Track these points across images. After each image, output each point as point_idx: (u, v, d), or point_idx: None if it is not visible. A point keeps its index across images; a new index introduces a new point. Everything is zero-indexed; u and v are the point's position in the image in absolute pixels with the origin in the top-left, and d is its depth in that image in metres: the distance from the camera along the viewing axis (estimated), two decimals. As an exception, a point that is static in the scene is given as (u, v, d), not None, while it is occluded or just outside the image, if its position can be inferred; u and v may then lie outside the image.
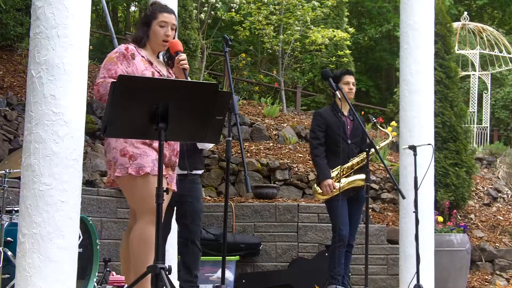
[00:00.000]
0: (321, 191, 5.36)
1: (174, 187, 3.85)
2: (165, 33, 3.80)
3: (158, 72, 3.79)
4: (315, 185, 5.48)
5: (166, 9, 3.88)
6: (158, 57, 3.96)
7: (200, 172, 5.31)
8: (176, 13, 5.67)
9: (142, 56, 3.75)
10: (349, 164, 5.39)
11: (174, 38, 3.88)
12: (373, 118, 5.60)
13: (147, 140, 3.62)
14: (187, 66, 3.75)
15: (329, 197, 5.35)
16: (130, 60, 3.69)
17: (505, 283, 7.92)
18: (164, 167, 3.64)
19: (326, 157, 5.42)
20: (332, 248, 5.34)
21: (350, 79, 5.46)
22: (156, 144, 3.61)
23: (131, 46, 3.75)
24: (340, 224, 5.24)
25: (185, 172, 5.08)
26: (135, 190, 3.61)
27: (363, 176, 5.35)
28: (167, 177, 3.77)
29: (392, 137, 5.87)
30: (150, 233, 3.48)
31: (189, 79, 3.67)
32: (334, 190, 5.28)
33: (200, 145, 5.18)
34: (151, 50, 3.85)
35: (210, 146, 5.56)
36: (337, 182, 5.30)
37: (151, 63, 3.77)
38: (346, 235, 5.26)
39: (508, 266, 8.39)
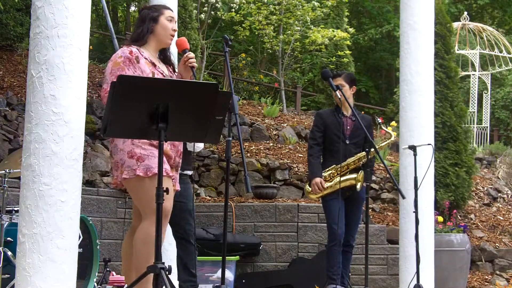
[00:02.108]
0: (311, 190, 5.38)
1: (178, 187, 3.87)
2: (172, 27, 3.87)
3: (161, 73, 3.79)
4: (307, 184, 5.51)
5: (168, 7, 3.97)
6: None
7: (190, 173, 5.32)
8: (176, 13, 5.71)
9: (146, 58, 3.75)
10: (345, 163, 5.38)
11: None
12: (378, 120, 5.61)
13: (154, 142, 3.62)
14: (195, 64, 3.78)
15: (320, 196, 5.37)
16: (136, 64, 3.68)
17: (505, 283, 7.92)
18: (169, 168, 3.66)
19: (323, 157, 5.45)
20: (328, 247, 5.35)
21: (336, 82, 5.33)
22: None
23: (134, 49, 3.73)
24: (333, 223, 5.24)
25: (181, 171, 5.09)
26: (143, 191, 3.61)
27: (354, 175, 5.36)
28: (173, 178, 3.79)
29: (394, 136, 5.86)
30: (154, 234, 3.49)
31: (196, 77, 3.69)
32: (325, 188, 5.30)
33: (189, 147, 5.16)
34: (154, 47, 3.85)
35: (201, 147, 5.56)
36: (330, 181, 5.32)
37: (154, 65, 3.78)
38: (340, 234, 5.25)
39: (508, 266, 8.39)
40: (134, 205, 3.91)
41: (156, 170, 3.56)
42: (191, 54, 3.79)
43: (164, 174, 3.52)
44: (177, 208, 5.04)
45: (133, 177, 3.59)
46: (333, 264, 5.24)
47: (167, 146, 3.66)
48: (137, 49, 3.76)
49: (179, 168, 3.91)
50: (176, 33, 3.93)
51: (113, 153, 3.71)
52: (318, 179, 5.31)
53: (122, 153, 3.63)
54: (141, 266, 3.54)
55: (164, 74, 3.81)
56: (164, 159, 3.61)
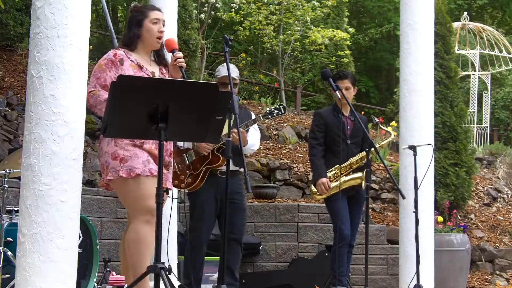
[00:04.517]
0: (317, 191, 5.36)
1: (169, 185, 3.88)
2: (158, 29, 3.85)
3: (148, 75, 3.81)
4: (312, 185, 5.49)
5: (155, 8, 3.97)
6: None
7: (242, 170, 5.28)
8: (176, 13, 5.71)
9: (132, 61, 3.77)
10: (347, 163, 5.38)
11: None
12: (376, 119, 5.60)
13: (138, 142, 3.64)
14: (184, 64, 3.78)
15: (326, 196, 5.35)
16: (119, 66, 3.72)
17: (505, 283, 7.92)
18: (155, 167, 3.66)
19: (325, 157, 5.41)
20: (334, 248, 5.32)
21: (343, 84, 5.32)
22: (147, 145, 3.67)
23: (120, 52, 3.77)
24: (341, 223, 5.23)
25: (237, 168, 5.05)
26: (127, 192, 3.65)
27: (359, 174, 5.34)
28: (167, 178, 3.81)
29: (394, 135, 5.84)
30: (144, 233, 3.54)
31: (186, 77, 3.69)
32: (331, 189, 5.28)
33: (244, 150, 5.10)
34: (144, 51, 3.87)
35: (255, 149, 5.37)
36: (335, 181, 5.30)
37: (140, 67, 3.79)
38: (347, 234, 5.25)
39: (508, 266, 8.39)
40: None
41: (139, 171, 3.60)
42: (180, 54, 3.80)
43: (148, 174, 3.56)
44: (232, 207, 4.94)
45: (117, 178, 3.62)
46: (340, 265, 5.22)
47: (152, 145, 3.67)
48: (124, 51, 3.79)
49: (171, 167, 3.92)
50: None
51: (100, 156, 3.76)
52: (324, 180, 5.28)
53: (106, 156, 3.67)
54: (135, 266, 3.57)
55: (153, 76, 3.83)
56: (150, 158, 3.64)
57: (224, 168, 4.83)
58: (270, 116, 5.02)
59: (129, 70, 3.72)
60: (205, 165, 4.89)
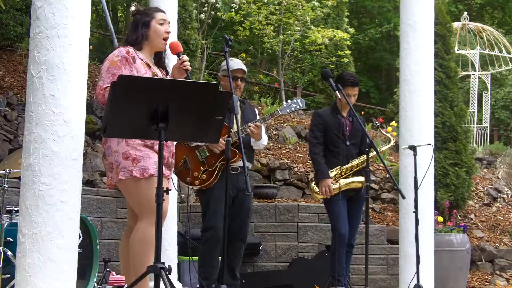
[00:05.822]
0: (318, 190, 5.35)
1: (171, 186, 3.88)
2: (165, 30, 3.88)
3: (156, 75, 3.82)
4: (313, 183, 5.47)
5: (160, 9, 4.00)
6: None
7: (250, 166, 5.26)
8: (176, 13, 5.72)
9: (141, 59, 3.78)
10: (349, 165, 5.37)
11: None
12: (377, 123, 5.61)
13: (149, 143, 3.65)
14: (190, 67, 3.79)
15: (326, 197, 5.34)
16: (132, 64, 3.71)
17: (505, 283, 7.92)
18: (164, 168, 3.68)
19: (325, 157, 5.42)
20: (332, 249, 5.33)
21: (352, 91, 5.34)
22: (156, 147, 3.65)
23: (131, 49, 3.77)
24: (339, 224, 5.23)
25: (249, 165, 5.03)
26: (140, 192, 3.64)
27: (361, 178, 5.34)
28: (169, 178, 3.83)
29: (394, 142, 5.83)
30: (152, 234, 3.52)
31: (196, 78, 3.71)
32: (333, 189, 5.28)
33: (254, 145, 5.09)
34: (148, 51, 3.89)
35: (262, 146, 5.34)
36: (336, 182, 5.29)
37: (149, 66, 3.81)
38: (345, 235, 5.25)
39: (508, 266, 8.39)
40: (128, 206, 3.94)
41: (152, 171, 3.60)
42: (185, 57, 3.82)
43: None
44: (239, 205, 4.93)
45: (129, 178, 3.62)
46: (338, 265, 5.23)
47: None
48: (134, 50, 3.79)
49: (172, 168, 3.93)
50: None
51: (107, 155, 3.73)
52: (329, 181, 5.27)
53: (116, 155, 3.66)
54: (138, 266, 3.57)
55: (158, 76, 3.84)
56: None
57: (237, 164, 4.86)
58: (288, 110, 5.03)
59: (141, 68, 3.73)
60: (221, 161, 4.87)
